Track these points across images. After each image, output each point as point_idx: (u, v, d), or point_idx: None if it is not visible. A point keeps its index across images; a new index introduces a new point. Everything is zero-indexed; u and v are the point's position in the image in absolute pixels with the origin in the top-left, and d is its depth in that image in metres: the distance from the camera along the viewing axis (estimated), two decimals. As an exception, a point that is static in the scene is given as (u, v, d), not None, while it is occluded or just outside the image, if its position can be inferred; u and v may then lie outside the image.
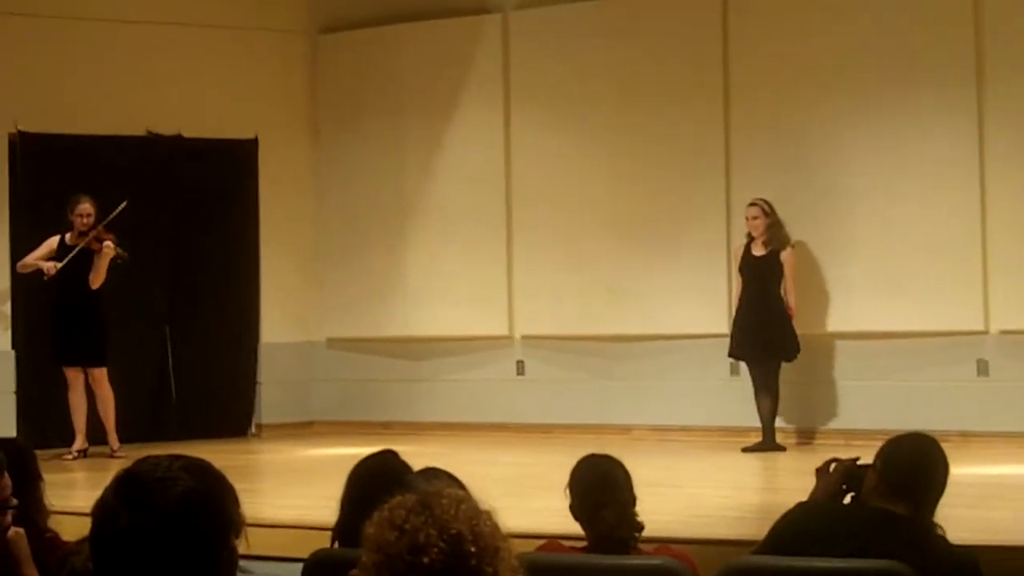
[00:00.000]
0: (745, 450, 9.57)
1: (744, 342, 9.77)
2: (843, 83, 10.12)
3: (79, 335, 9.89)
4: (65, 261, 9.87)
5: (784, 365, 9.78)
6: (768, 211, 9.79)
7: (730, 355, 9.97)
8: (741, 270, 9.90)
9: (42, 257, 10.01)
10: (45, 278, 9.93)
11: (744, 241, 9.95)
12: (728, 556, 3.95)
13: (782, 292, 9.77)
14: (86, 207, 9.90)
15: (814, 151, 10.21)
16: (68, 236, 9.99)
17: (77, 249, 9.86)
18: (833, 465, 3.98)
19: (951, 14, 9.85)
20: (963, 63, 9.79)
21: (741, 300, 9.86)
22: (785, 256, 9.77)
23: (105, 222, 9.88)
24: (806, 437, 10.09)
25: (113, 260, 9.88)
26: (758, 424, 9.74)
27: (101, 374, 9.99)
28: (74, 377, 10.00)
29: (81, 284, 9.89)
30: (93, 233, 9.86)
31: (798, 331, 9.76)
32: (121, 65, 11.16)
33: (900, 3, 10.04)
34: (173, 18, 11.35)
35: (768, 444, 9.63)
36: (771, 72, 10.36)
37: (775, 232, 9.80)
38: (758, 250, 9.83)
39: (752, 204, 9.86)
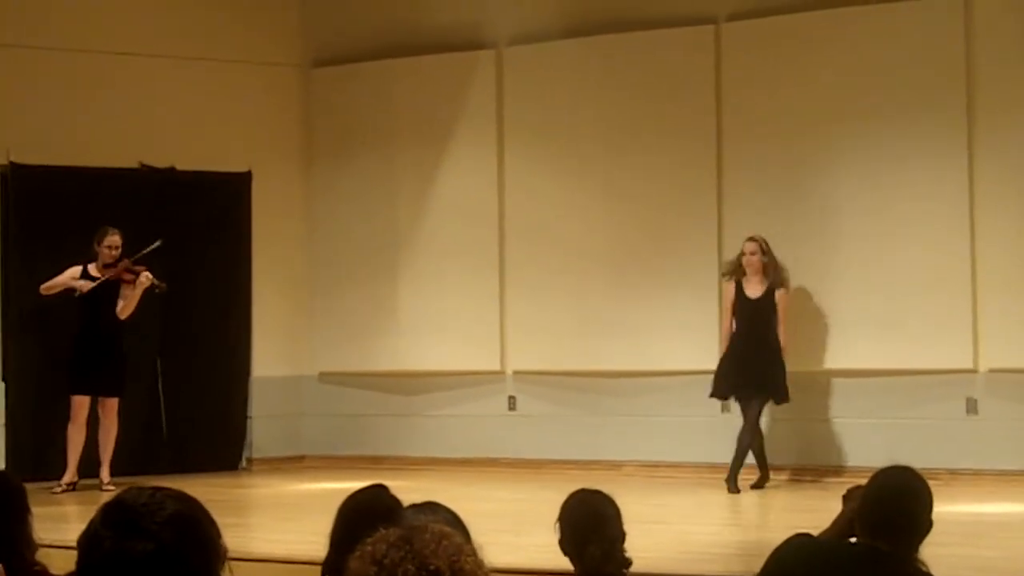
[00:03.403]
0: (755, 487, 9.60)
1: (741, 381, 9.67)
2: (835, 124, 10.17)
3: (100, 364, 9.97)
4: (96, 284, 9.90)
5: (771, 405, 9.81)
6: (766, 249, 9.76)
7: (719, 396, 9.85)
8: (736, 312, 9.81)
9: (67, 279, 10.03)
10: (76, 295, 9.95)
11: (733, 280, 9.85)
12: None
13: (776, 331, 9.73)
14: (115, 239, 9.98)
15: (805, 191, 10.26)
16: (92, 266, 10.03)
17: (102, 281, 9.90)
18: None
19: (942, 55, 9.92)
20: (953, 104, 9.86)
21: (735, 341, 9.75)
22: (780, 296, 9.72)
23: (136, 257, 9.96)
24: (796, 474, 10.09)
25: (149, 290, 9.95)
26: (751, 461, 9.72)
27: (113, 404, 10.04)
28: (80, 407, 10.01)
29: (107, 315, 9.98)
30: (122, 265, 9.94)
31: (789, 368, 9.77)
32: (115, 97, 11.20)
33: (891, 44, 10.10)
34: (167, 51, 11.40)
35: (768, 475, 9.68)
36: (763, 112, 10.41)
37: (772, 271, 9.75)
38: (753, 291, 9.76)
39: (751, 240, 9.77)
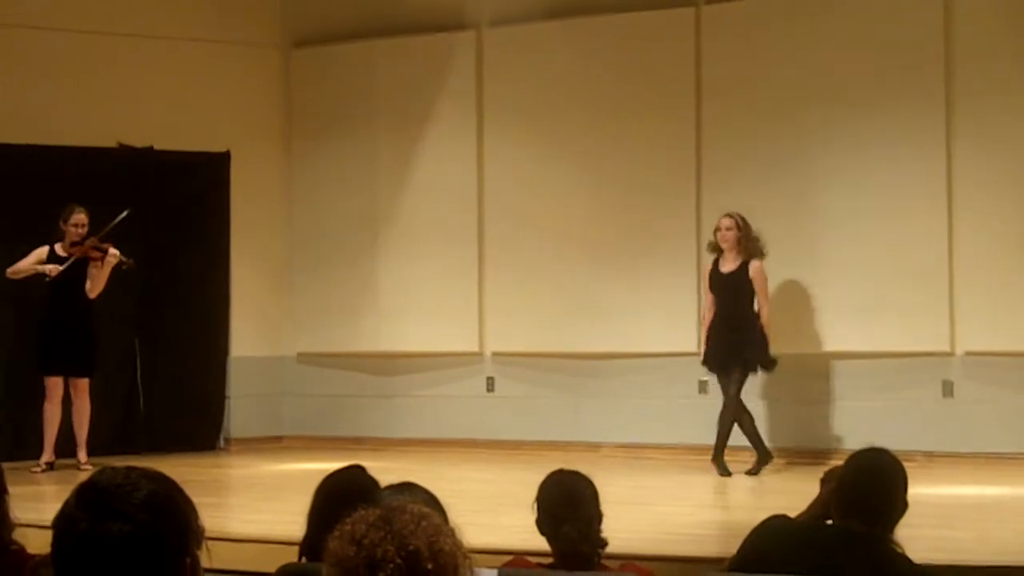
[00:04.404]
0: (750, 473, 9.43)
1: (719, 357, 9.62)
2: (813, 107, 10.20)
3: (69, 344, 9.89)
4: (65, 266, 9.83)
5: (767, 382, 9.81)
6: (741, 225, 9.73)
7: (710, 367, 9.73)
8: (711, 288, 9.80)
9: (34, 263, 9.95)
10: (46, 279, 9.88)
11: (712, 258, 9.86)
12: (693, 574, 3.98)
13: (756, 306, 9.70)
14: (81, 217, 9.89)
15: (784, 174, 10.28)
16: (59, 246, 9.95)
17: (73, 259, 9.84)
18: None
19: (921, 39, 9.95)
20: (932, 88, 9.89)
21: (714, 317, 9.72)
22: (754, 270, 9.61)
23: (103, 233, 9.87)
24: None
25: (117, 268, 9.88)
26: (729, 443, 9.73)
27: (84, 385, 9.97)
28: (54, 387, 9.96)
29: (75, 294, 9.89)
30: (89, 243, 9.85)
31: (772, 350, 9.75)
32: (93, 77, 11.15)
33: (870, 27, 10.12)
34: (146, 31, 11.34)
35: (766, 455, 9.51)
36: (743, 94, 10.43)
37: (747, 245, 9.70)
38: (727, 266, 9.72)
39: (727, 216, 9.72)
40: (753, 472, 9.43)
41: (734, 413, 9.50)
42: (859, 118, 10.06)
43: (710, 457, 9.49)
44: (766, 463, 9.47)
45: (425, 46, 11.50)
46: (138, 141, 11.29)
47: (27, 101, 10.87)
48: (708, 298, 9.85)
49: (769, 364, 9.59)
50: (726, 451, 9.51)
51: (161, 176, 11.35)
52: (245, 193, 11.77)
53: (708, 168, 10.53)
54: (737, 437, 9.60)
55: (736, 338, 9.55)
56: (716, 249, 9.77)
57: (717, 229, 9.73)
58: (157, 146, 11.34)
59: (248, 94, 11.87)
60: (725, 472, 9.40)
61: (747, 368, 9.56)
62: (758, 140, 10.35)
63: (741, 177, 10.35)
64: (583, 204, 10.91)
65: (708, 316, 9.78)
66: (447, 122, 11.42)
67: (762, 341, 9.55)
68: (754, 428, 9.53)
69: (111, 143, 11.19)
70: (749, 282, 9.63)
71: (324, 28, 11.91)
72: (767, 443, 9.59)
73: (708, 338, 9.75)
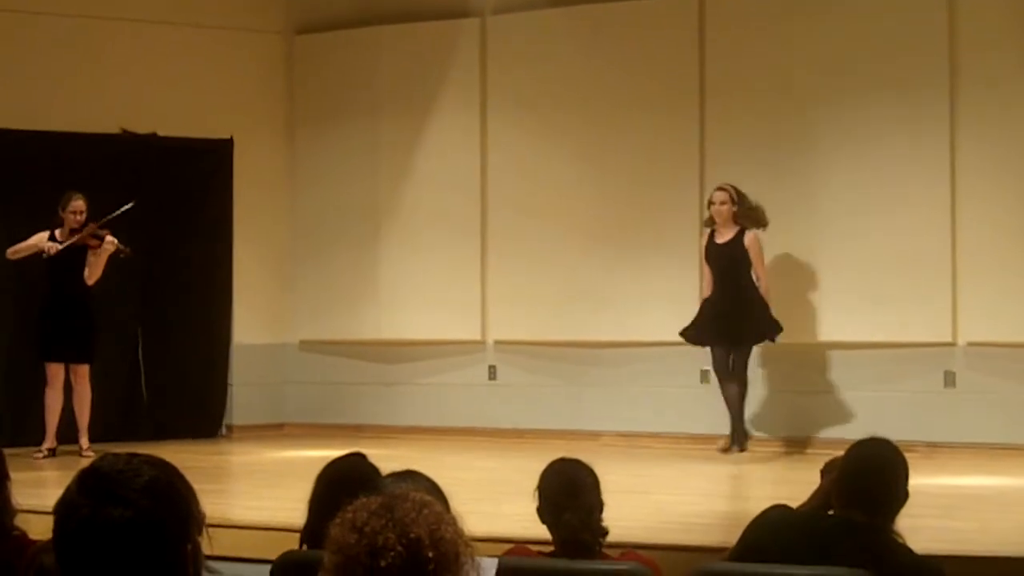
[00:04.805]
0: (722, 450, 9.56)
1: (716, 327, 9.58)
2: (817, 97, 10.18)
3: (68, 331, 9.89)
4: (64, 246, 9.82)
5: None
6: (736, 198, 9.68)
7: (693, 342, 9.74)
8: (708, 260, 9.74)
9: (35, 242, 9.95)
10: (44, 255, 9.87)
11: (707, 232, 9.79)
12: (694, 563, 3.98)
13: (753, 277, 9.66)
14: (79, 204, 9.89)
15: (788, 164, 10.27)
16: (58, 232, 9.95)
17: (69, 244, 9.83)
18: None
19: (926, 29, 9.93)
20: (936, 80, 9.87)
21: (713, 289, 9.69)
22: (749, 240, 9.60)
23: (104, 221, 9.88)
24: (773, 446, 10.12)
25: (115, 256, 9.88)
26: (728, 432, 9.75)
27: (84, 371, 9.98)
28: (55, 374, 9.97)
29: (74, 281, 9.89)
30: (88, 230, 9.85)
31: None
32: (97, 62, 11.14)
33: (875, 18, 10.10)
34: (150, 16, 11.33)
35: (741, 434, 9.58)
36: (746, 84, 10.41)
37: (743, 217, 9.63)
38: (722, 237, 9.69)
39: (721, 189, 9.73)
40: (726, 450, 9.55)
41: (741, 385, 9.53)
42: (863, 108, 10.04)
43: (724, 445, 9.51)
44: (743, 444, 9.59)
45: (428, 34, 11.48)
46: (141, 128, 11.28)
47: (30, 87, 10.86)
48: (706, 271, 9.80)
49: (775, 332, 9.55)
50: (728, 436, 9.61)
51: (164, 163, 11.35)
52: (248, 180, 11.76)
53: (711, 157, 10.52)
54: (724, 426, 9.65)
55: (737, 312, 9.54)
56: (711, 223, 9.77)
57: (711, 203, 9.73)
58: (160, 133, 11.34)
59: (251, 81, 11.86)
60: (743, 448, 9.51)
61: (752, 343, 9.56)
62: (762, 130, 10.33)
63: (744, 167, 10.33)
64: (586, 193, 10.90)
65: (707, 290, 9.76)
66: (450, 110, 11.41)
67: (764, 311, 9.52)
68: (743, 404, 9.58)
69: (114, 129, 11.19)
70: (745, 252, 9.60)
71: (327, 15, 11.89)
72: (773, 432, 9.63)
73: (702, 311, 9.69)
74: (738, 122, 10.42)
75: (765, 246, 9.90)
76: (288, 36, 11.99)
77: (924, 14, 9.95)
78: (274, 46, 11.97)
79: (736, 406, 9.60)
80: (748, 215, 9.65)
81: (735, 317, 9.55)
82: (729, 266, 9.62)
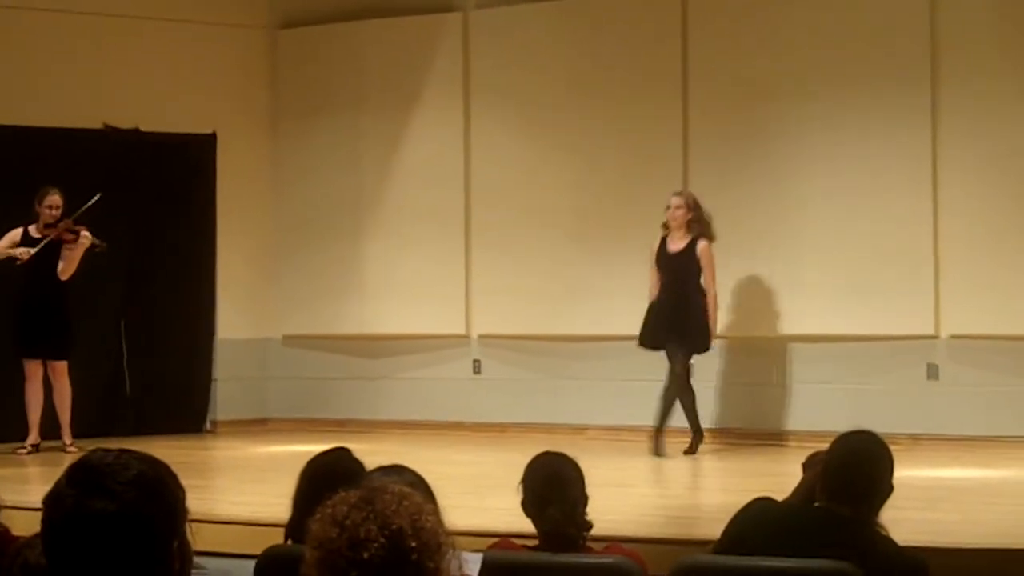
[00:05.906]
0: (688, 452, 9.51)
1: (663, 336, 9.54)
2: (800, 91, 10.20)
3: (44, 327, 9.83)
4: (37, 248, 9.79)
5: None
6: (692, 205, 9.65)
7: (641, 344, 9.70)
8: (657, 265, 9.68)
9: (6, 247, 9.92)
10: (17, 263, 9.83)
11: (660, 235, 9.72)
12: (677, 556, 3.99)
13: (702, 284, 9.59)
14: (55, 199, 9.85)
15: (770, 155, 10.29)
16: (33, 228, 9.90)
17: (46, 240, 9.80)
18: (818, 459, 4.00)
19: (907, 25, 9.95)
20: (918, 71, 9.89)
21: (660, 294, 9.63)
22: (701, 249, 9.54)
23: (76, 215, 9.83)
24: (756, 439, 10.14)
25: (89, 250, 9.84)
26: (712, 426, 9.75)
27: (62, 367, 9.93)
28: (34, 370, 9.93)
29: (49, 276, 9.84)
30: (63, 225, 9.81)
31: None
32: (78, 57, 11.11)
33: (857, 13, 10.12)
34: (133, 11, 11.30)
35: (701, 435, 9.53)
36: (729, 78, 10.42)
37: (696, 225, 9.60)
38: (674, 244, 9.63)
39: (677, 194, 9.70)
40: (691, 452, 9.47)
41: (678, 390, 9.45)
42: (845, 100, 10.06)
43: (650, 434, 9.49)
44: (701, 442, 9.52)
45: (412, 28, 11.47)
46: (124, 122, 11.25)
47: (11, 81, 10.82)
48: (653, 275, 9.73)
49: (704, 348, 9.51)
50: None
51: (147, 157, 11.32)
52: (231, 175, 11.74)
53: (694, 150, 10.53)
54: (707, 420, 9.65)
55: (678, 318, 9.49)
56: (666, 227, 9.72)
57: (667, 207, 9.69)
58: (143, 127, 11.31)
59: (234, 75, 11.83)
60: (661, 452, 9.37)
61: (689, 349, 9.52)
62: (744, 122, 10.35)
63: (727, 160, 10.35)
64: (570, 187, 10.90)
65: (653, 293, 9.71)
66: (434, 104, 11.40)
67: (704, 324, 9.48)
68: (694, 407, 9.53)
69: (96, 124, 11.16)
70: (696, 261, 9.56)
71: (311, 9, 11.87)
72: (754, 425, 9.61)
73: (648, 315, 9.66)
74: (721, 115, 10.43)
75: (748, 241, 9.92)
76: (271, 31, 11.97)
77: (906, 7, 9.97)
78: (257, 40, 11.95)
79: (693, 413, 9.53)
80: (701, 224, 9.60)
81: (675, 324, 9.51)
82: (678, 276, 9.56)
